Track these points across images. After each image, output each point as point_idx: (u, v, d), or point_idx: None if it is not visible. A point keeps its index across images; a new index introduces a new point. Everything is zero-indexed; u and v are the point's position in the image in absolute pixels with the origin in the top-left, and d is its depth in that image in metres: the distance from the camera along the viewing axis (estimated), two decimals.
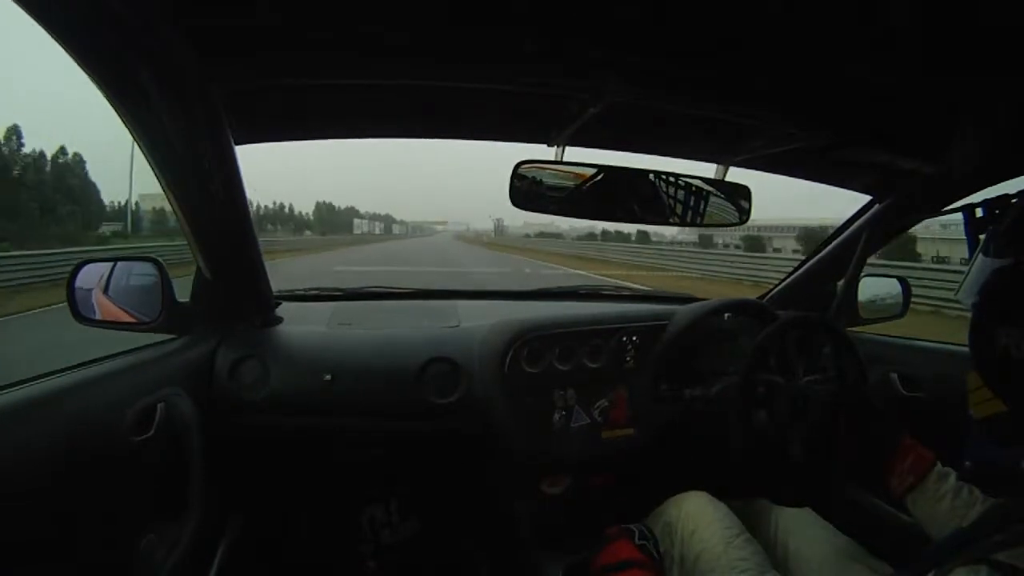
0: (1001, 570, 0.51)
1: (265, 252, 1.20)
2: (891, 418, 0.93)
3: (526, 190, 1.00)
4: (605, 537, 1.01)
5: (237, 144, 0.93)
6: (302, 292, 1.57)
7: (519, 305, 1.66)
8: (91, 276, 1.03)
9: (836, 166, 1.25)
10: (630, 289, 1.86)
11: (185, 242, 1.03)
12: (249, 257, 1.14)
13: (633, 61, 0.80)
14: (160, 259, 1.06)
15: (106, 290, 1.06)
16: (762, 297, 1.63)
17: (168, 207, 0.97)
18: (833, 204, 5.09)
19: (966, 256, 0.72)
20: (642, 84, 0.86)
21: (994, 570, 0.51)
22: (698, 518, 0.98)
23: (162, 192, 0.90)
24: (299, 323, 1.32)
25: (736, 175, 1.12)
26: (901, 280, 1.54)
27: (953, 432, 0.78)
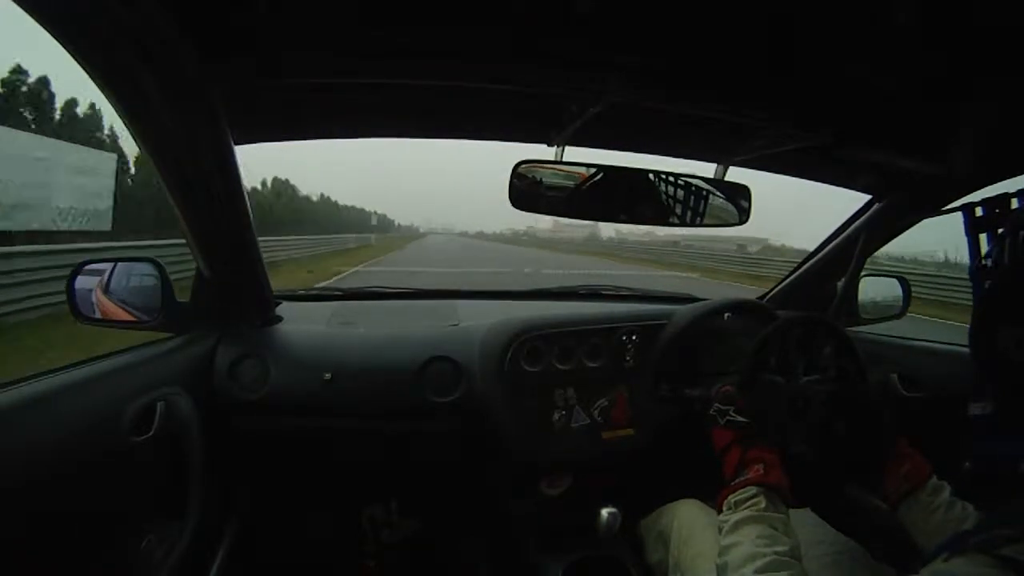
0: (1006, 564, 0.51)
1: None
2: (890, 419, 0.93)
3: (526, 190, 0.99)
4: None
5: (237, 144, 0.93)
6: (302, 292, 1.58)
7: (519, 305, 1.66)
8: (91, 277, 1.03)
9: (836, 166, 1.25)
10: (630, 289, 1.85)
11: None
12: (249, 257, 1.13)
13: (633, 61, 0.80)
14: (159, 260, 1.07)
15: (106, 290, 1.06)
16: (762, 297, 1.63)
17: None
18: None
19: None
20: (643, 84, 0.85)
21: (999, 563, 0.51)
22: (691, 525, 0.98)
23: None
24: (299, 322, 1.32)
25: (736, 175, 1.12)
26: (901, 280, 1.54)
27: (952, 432, 0.78)
